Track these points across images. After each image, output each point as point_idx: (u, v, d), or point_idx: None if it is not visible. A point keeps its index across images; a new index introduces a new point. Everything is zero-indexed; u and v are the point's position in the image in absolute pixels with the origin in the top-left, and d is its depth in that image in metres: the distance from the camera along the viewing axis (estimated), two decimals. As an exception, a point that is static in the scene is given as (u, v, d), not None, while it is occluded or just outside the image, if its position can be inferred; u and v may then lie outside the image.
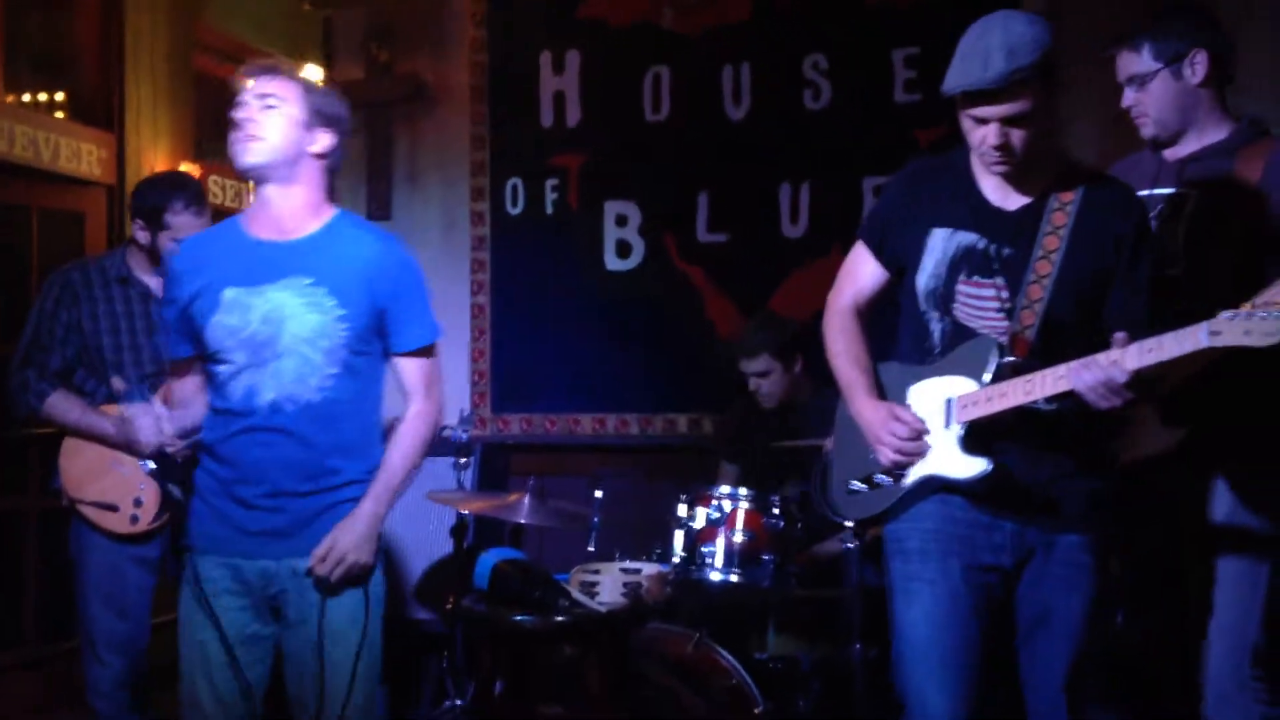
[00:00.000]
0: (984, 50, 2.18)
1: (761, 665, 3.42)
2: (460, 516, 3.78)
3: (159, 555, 3.28)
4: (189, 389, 2.58)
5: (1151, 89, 2.57)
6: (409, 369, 2.52)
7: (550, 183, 4.88)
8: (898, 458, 2.34)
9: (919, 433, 2.32)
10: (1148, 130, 2.61)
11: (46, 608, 5.24)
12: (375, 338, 2.46)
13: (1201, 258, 2.53)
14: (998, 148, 2.23)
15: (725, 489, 3.52)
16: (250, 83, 2.43)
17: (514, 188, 4.93)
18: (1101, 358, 2.12)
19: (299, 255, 2.40)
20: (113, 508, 3.18)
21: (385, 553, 2.54)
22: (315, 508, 2.42)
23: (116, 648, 3.24)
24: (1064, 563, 2.34)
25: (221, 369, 2.41)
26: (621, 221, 4.81)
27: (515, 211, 4.93)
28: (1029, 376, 2.20)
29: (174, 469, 3.17)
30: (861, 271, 2.53)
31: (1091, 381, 2.11)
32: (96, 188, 5.68)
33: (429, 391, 2.53)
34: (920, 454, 2.33)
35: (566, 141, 4.88)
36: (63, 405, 3.21)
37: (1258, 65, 3.75)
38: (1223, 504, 2.54)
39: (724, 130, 4.69)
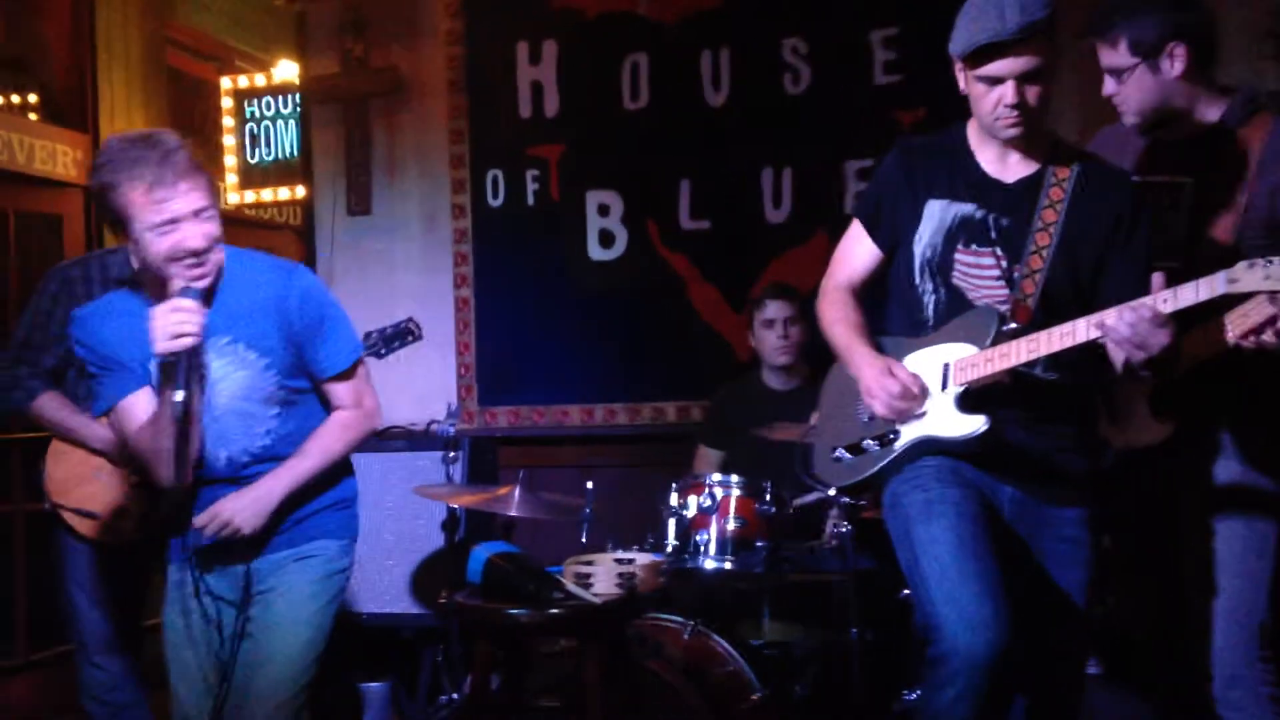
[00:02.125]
0: (996, 5, 2.19)
1: (757, 652, 3.41)
2: (450, 511, 3.77)
3: (146, 560, 3.26)
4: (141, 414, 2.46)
5: (1129, 83, 2.51)
6: (336, 392, 2.56)
7: (531, 174, 4.85)
8: (887, 412, 2.34)
9: (911, 391, 2.31)
10: (1129, 119, 2.57)
11: (37, 612, 5.22)
12: (301, 370, 2.52)
13: (1202, 248, 2.51)
14: (1014, 106, 2.24)
15: (717, 476, 3.52)
16: (172, 201, 2.27)
17: (494, 179, 4.90)
18: (1106, 313, 2.13)
19: (209, 315, 2.37)
20: (94, 516, 3.15)
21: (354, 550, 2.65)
22: (295, 518, 2.52)
23: (110, 650, 3.22)
24: (1062, 538, 2.36)
25: None
26: (604, 211, 4.79)
27: (496, 203, 4.90)
28: (1033, 335, 2.22)
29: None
30: (855, 252, 2.54)
31: (1124, 329, 2.10)
32: (73, 189, 5.64)
33: (359, 403, 2.58)
34: (910, 413, 2.32)
35: (546, 132, 4.84)
36: (52, 406, 3.17)
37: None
38: (1224, 472, 2.53)
39: (704, 116, 4.67)
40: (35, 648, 5.18)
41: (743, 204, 4.63)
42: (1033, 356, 2.22)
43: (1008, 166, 2.37)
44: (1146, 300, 2.12)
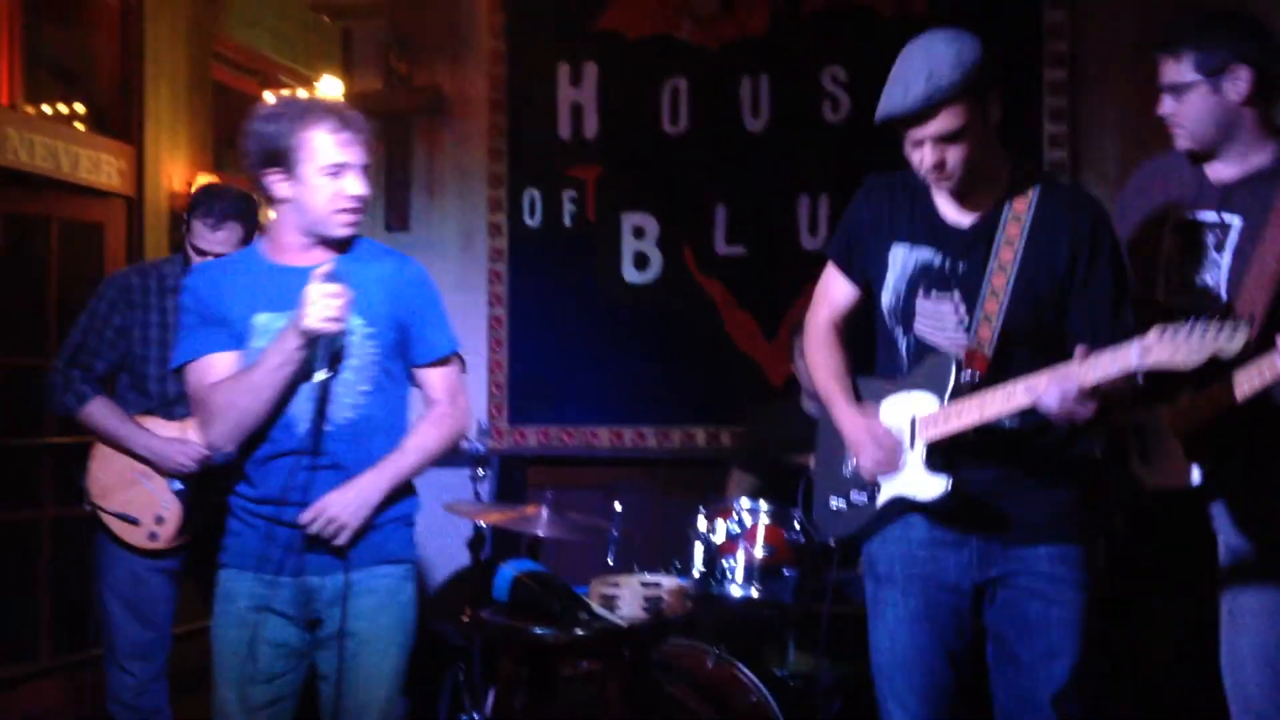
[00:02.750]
0: (905, 75, 2.22)
1: (782, 682, 3.38)
2: (477, 528, 3.76)
3: (179, 567, 3.28)
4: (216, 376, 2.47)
5: (1189, 101, 2.47)
6: (432, 379, 2.59)
7: (568, 194, 4.87)
8: (867, 475, 2.37)
9: (890, 455, 2.33)
10: (1182, 143, 2.53)
11: (61, 617, 5.24)
12: (399, 355, 2.54)
13: (1244, 294, 2.45)
14: (935, 167, 2.25)
15: (746, 502, 3.50)
16: (351, 147, 2.45)
17: (531, 199, 4.92)
18: (1039, 379, 2.13)
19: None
20: (134, 521, 3.18)
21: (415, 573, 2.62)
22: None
23: (138, 655, 3.23)
24: (1037, 575, 2.33)
25: None
26: (639, 233, 4.80)
27: (533, 223, 4.91)
28: (983, 394, 2.22)
29: (203, 490, 3.18)
30: (834, 291, 2.56)
31: (1051, 401, 2.10)
32: (116, 199, 5.70)
33: (453, 400, 2.60)
34: (889, 471, 2.33)
35: (584, 153, 4.86)
36: (102, 412, 3.20)
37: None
38: (1252, 513, 2.49)
39: (742, 142, 4.68)
40: (58, 652, 5.20)
41: (779, 231, 4.63)
42: (985, 419, 2.22)
43: (964, 208, 2.35)
44: (1074, 370, 2.09)
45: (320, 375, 2.35)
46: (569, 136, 4.88)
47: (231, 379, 2.42)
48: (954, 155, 2.23)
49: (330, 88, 6.50)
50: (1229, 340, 1.92)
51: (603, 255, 4.82)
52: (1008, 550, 2.33)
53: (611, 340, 4.80)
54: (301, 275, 2.40)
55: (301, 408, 2.42)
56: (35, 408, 3.67)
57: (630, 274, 4.80)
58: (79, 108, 5.80)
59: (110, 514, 3.17)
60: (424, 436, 2.55)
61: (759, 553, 3.39)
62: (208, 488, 3.17)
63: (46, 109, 5.63)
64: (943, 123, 2.20)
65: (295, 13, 6.08)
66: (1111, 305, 2.29)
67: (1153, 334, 1.98)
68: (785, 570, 3.37)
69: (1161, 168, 2.67)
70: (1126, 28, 4.21)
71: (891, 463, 2.33)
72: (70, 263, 5.52)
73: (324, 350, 2.36)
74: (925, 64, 2.20)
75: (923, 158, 2.25)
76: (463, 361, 3.92)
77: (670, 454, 4.71)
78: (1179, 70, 2.48)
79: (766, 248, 4.66)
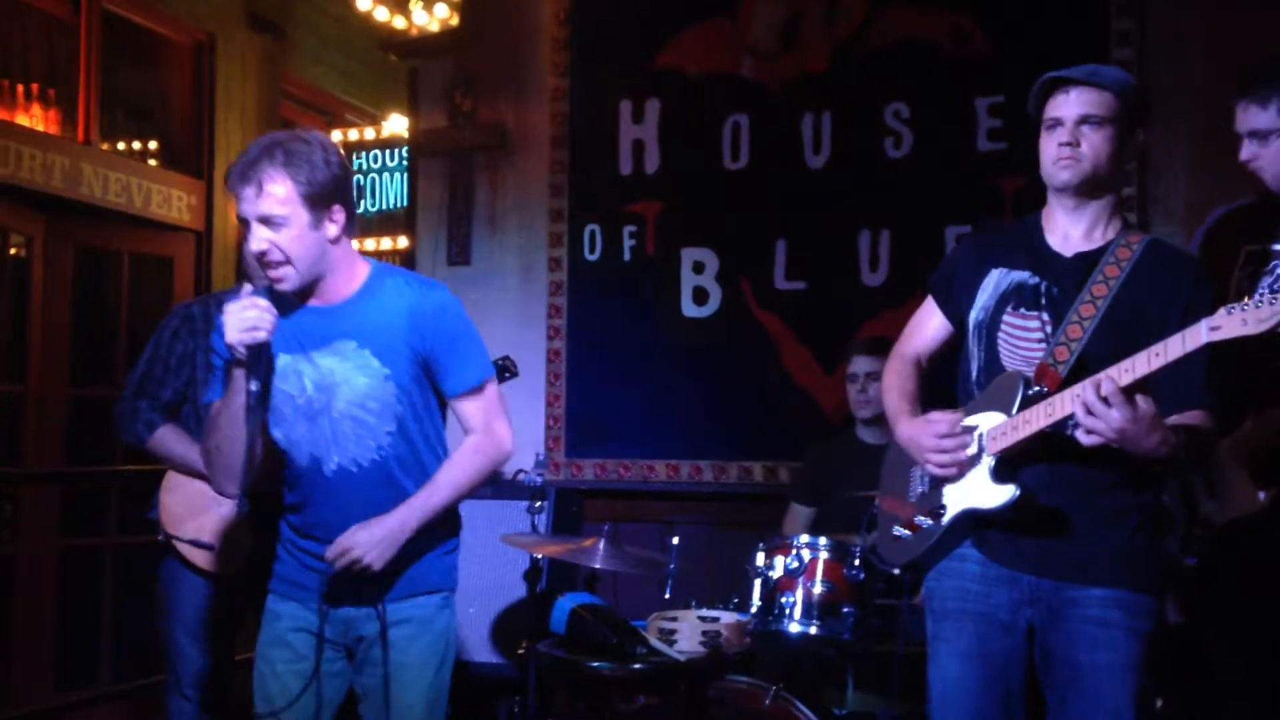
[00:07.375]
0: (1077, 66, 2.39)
1: (840, 721, 3.33)
2: (534, 560, 3.76)
3: (246, 595, 3.30)
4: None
5: (1273, 146, 2.51)
6: (464, 410, 2.51)
7: (628, 229, 4.90)
8: (943, 458, 2.35)
9: (953, 433, 2.33)
10: (1270, 185, 2.54)
11: (123, 644, 5.31)
12: (425, 387, 2.47)
13: None
14: (1069, 143, 2.32)
15: (805, 538, 3.45)
16: (242, 204, 2.32)
17: (592, 234, 4.95)
18: (1104, 374, 2.11)
19: (341, 319, 2.42)
20: (208, 547, 3.21)
21: (454, 600, 2.58)
22: (401, 560, 2.44)
23: (201, 683, 3.25)
24: (1088, 619, 2.28)
25: (280, 435, 2.45)
26: (699, 268, 4.81)
27: (593, 257, 4.94)
28: (1050, 399, 2.22)
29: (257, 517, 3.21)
30: (926, 325, 2.61)
31: (1079, 407, 2.09)
32: (186, 233, 5.84)
33: (489, 427, 2.51)
34: (959, 457, 2.33)
35: (645, 188, 4.89)
36: (170, 439, 3.25)
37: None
38: None
39: (803, 178, 4.67)
40: (118, 679, 5.26)
41: (839, 266, 4.61)
42: (1051, 421, 2.20)
43: (1071, 241, 2.42)
44: (1140, 357, 2.07)
45: (254, 385, 2.28)
46: (630, 172, 4.91)
47: (212, 428, 2.40)
48: (1089, 141, 2.32)
49: (396, 125, 6.63)
50: None
51: (662, 290, 4.83)
52: (1060, 589, 2.30)
53: (669, 374, 4.79)
54: (322, 314, 2.42)
55: (326, 447, 2.42)
56: (105, 437, 3.74)
57: (689, 308, 4.80)
58: (152, 145, 5.95)
59: (185, 542, 3.21)
60: (456, 469, 2.47)
61: (818, 589, 3.34)
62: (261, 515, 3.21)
63: (121, 146, 5.79)
64: (1092, 98, 2.32)
65: (363, 52, 6.21)
66: (1204, 365, 2.24)
67: (1220, 312, 1.99)
68: (844, 607, 3.31)
69: (1238, 206, 2.69)
70: (1195, 67, 4.16)
71: (959, 447, 2.33)
72: (140, 295, 5.65)
73: (258, 365, 2.29)
74: (1092, 65, 2.39)
75: (1058, 135, 2.33)
76: (512, 367, 3.89)
77: (727, 488, 4.68)
78: (1266, 117, 2.51)
79: (826, 283, 4.63)
